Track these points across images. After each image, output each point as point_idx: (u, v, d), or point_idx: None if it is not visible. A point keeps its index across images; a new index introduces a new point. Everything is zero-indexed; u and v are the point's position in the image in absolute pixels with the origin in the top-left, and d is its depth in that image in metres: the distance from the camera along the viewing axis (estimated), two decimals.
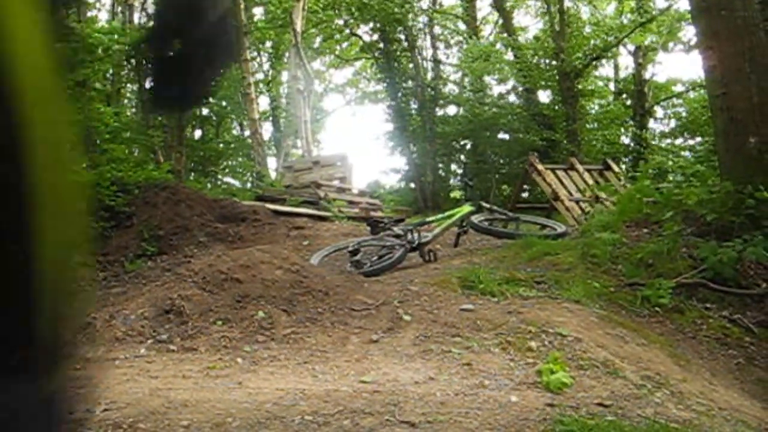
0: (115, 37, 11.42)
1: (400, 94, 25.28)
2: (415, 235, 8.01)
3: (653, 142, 24.64)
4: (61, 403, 1.19)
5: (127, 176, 11.08)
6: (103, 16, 23.82)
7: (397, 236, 8.13)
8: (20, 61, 0.98)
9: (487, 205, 9.09)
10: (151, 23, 3.17)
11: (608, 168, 12.41)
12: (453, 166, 27.15)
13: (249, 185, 26.03)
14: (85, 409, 3.41)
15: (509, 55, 25.13)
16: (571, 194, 11.20)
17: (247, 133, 27.98)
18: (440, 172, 25.99)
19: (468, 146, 25.75)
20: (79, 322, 1.26)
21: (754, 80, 6.97)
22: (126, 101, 29.25)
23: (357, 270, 7.25)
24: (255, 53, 29.99)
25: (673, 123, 26.32)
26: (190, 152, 25.40)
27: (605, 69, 28.35)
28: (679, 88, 25.84)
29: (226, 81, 27.87)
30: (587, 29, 24.13)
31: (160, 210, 10.53)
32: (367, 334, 4.86)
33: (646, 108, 24.99)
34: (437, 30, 27.90)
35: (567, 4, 23.06)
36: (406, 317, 5.14)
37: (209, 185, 22.76)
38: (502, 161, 24.50)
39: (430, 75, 26.91)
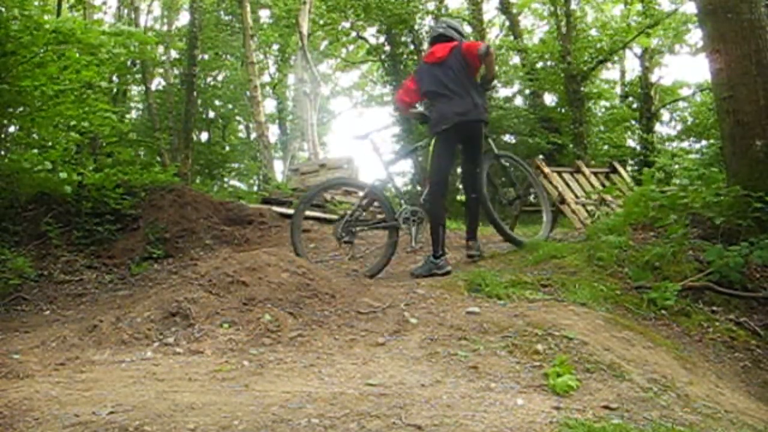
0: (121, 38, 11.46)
1: None
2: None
3: (659, 145, 24.62)
4: None
5: (133, 179, 11.13)
6: (108, 20, 23.87)
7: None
8: None
9: None
10: None
11: (615, 171, 12.40)
12: (459, 169, 27.12)
13: (255, 188, 26.14)
14: (91, 411, 3.43)
15: (515, 58, 25.15)
16: (577, 197, 11.19)
17: (253, 135, 28.08)
18: None
19: None
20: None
21: (761, 83, 6.96)
22: (132, 103, 29.36)
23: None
24: (261, 56, 30.07)
25: (679, 126, 26.34)
26: (197, 155, 25.47)
27: (611, 72, 28.38)
28: (685, 91, 25.85)
29: (232, 84, 28.06)
30: (593, 32, 24.13)
31: (166, 213, 10.57)
32: (374, 337, 4.86)
33: (653, 111, 24.97)
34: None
35: (573, 6, 23.04)
36: (413, 320, 5.15)
37: (215, 188, 22.85)
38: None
39: None
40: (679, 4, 22.83)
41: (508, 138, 24.55)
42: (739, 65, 7.09)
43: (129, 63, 22.16)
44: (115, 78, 22.54)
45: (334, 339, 4.83)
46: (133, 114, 29.40)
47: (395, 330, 5.00)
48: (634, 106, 26.06)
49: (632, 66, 27.96)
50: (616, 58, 24.77)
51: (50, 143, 11.66)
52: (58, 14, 13.92)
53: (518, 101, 26.30)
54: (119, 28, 12.29)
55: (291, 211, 11.78)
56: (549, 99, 25.82)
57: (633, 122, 25.43)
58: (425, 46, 26.55)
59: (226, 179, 29.54)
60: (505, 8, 25.63)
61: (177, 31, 28.26)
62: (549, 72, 24.14)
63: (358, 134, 8.03)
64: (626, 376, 4.08)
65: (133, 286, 8.91)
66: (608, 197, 10.53)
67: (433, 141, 7.53)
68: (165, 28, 28.71)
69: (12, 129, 11.75)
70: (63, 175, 10.10)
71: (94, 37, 10.12)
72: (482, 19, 27.61)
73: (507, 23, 26.75)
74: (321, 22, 26.08)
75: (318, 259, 8.71)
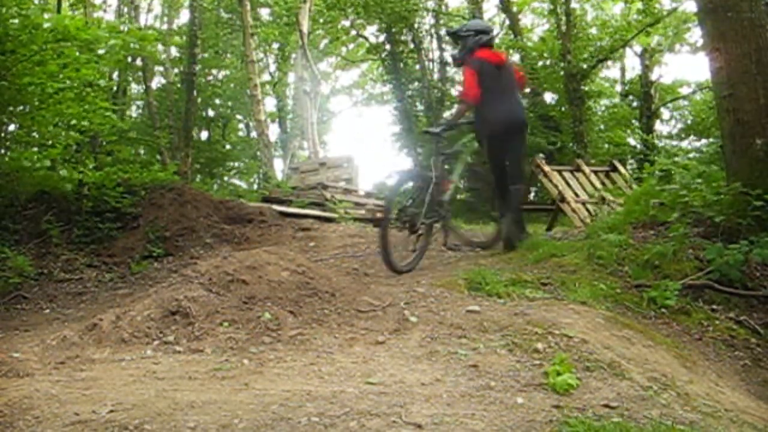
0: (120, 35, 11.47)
1: (406, 96, 25.30)
2: None
3: (660, 144, 24.59)
4: None
5: (133, 177, 11.13)
6: (109, 18, 23.90)
7: None
8: None
9: None
10: None
11: (615, 170, 12.40)
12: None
13: (255, 186, 26.12)
14: (91, 410, 3.43)
15: (515, 57, 25.13)
16: (577, 196, 11.19)
17: (253, 134, 28.05)
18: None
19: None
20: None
21: (761, 82, 6.95)
22: (132, 102, 29.35)
23: None
24: (261, 55, 30.05)
25: (679, 125, 26.32)
26: (197, 153, 25.46)
27: (612, 71, 28.34)
28: (685, 89, 25.82)
29: (232, 82, 28.04)
30: (593, 30, 24.09)
31: (166, 211, 10.56)
32: (374, 336, 4.86)
33: (653, 109, 24.94)
34: (443, 31, 27.87)
35: (573, 5, 23.00)
36: (413, 319, 5.14)
37: (215, 186, 22.82)
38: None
39: (436, 76, 26.94)
40: (679, 2, 22.82)
41: None
42: (739, 64, 7.08)
43: (129, 60, 22.14)
44: (115, 76, 22.55)
45: (334, 337, 4.83)
46: (134, 113, 29.39)
47: (395, 329, 5.00)
48: (634, 104, 26.04)
49: (632, 64, 27.94)
50: (616, 56, 24.74)
51: (50, 142, 11.66)
52: (59, 12, 13.92)
53: None
54: (117, 26, 12.29)
55: (291, 210, 11.78)
56: (549, 97, 25.82)
57: (633, 121, 25.40)
58: (425, 44, 26.60)
59: (226, 178, 29.53)
60: (505, 7, 25.61)
61: (177, 29, 28.25)
62: (549, 71, 24.12)
63: (431, 129, 8.29)
64: (626, 375, 4.08)
65: (133, 284, 8.91)
66: (608, 196, 10.53)
67: (487, 139, 7.80)
68: (165, 26, 28.68)
69: (12, 127, 11.75)
70: (63, 172, 10.12)
71: (91, 34, 10.10)
72: (482, 18, 27.60)
73: (507, 22, 26.72)
74: (321, 20, 26.06)
75: (318, 258, 8.70)
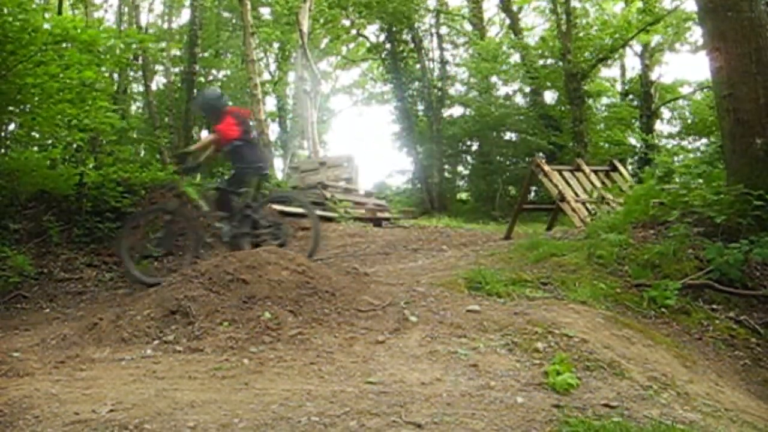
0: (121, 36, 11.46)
1: (406, 95, 25.29)
2: None
3: (660, 143, 24.55)
4: None
5: (133, 177, 11.12)
6: (109, 18, 23.89)
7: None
8: None
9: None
10: None
11: (615, 169, 12.36)
12: (459, 167, 27.20)
13: None
14: (91, 409, 3.43)
15: (516, 56, 25.11)
16: (577, 195, 11.17)
17: (253, 133, 28.01)
18: (446, 173, 26.01)
19: (474, 147, 25.78)
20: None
21: (761, 81, 6.96)
22: (132, 101, 29.32)
23: None
24: (262, 54, 30.02)
25: (679, 124, 26.28)
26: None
27: (612, 70, 28.30)
28: (685, 89, 25.77)
29: (233, 82, 28.02)
30: (594, 30, 24.05)
31: None
32: (374, 335, 4.86)
33: (653, 109, 24.90)
34: (443, 31, 27.87)
35: (574, 4, 22.96)
36: (413, 318, 5.14)
37: None
38: (508, 162, 24.48)
39: (436, 75, 26.91)
40: (679, 2, 22.80)
41: (509, 136, 24.54)
42: (739, 63, 7.09)
43: (131, 58, 22.14)
44: (116, 76, 22.54)
45: (333, 337, 4.82)
46: (134, 112, 29.38)
47: (395, 328, 4.99)
48: (635, 104, 25.99)
49: (632, 64, 27.92)
50: (616, 56, 24.70)
51: (50, 141, 11.65)
52: (59, 13, 13.89)
53: (518, 99, 26.30)
54: (115, 29, 12.29)
55: (291, 210, 11.77)
56: (549, 97, 25.82)
57: (633, 120, 25.36)
58: (426, 44, 26.57)
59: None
60: (505, 6, 25.59)
61: (178, 29, 28.24)
62: (549, 70, 24.09)
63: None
64: (626, 374, 4.09)
65: (133, 284, 8.91)
66: (608, 195, 10.52)
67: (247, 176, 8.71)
68: (166, 25, 28.67)
69: (12, 127, 11.73)
70: (62, 168, 10.10)
71: (91, 34, 10.08)
72: (482, 17, 27.60)
73: (507, 21, 26.71)
74: (321, 20, 26.05)
75: (318, 258, 8.70)
